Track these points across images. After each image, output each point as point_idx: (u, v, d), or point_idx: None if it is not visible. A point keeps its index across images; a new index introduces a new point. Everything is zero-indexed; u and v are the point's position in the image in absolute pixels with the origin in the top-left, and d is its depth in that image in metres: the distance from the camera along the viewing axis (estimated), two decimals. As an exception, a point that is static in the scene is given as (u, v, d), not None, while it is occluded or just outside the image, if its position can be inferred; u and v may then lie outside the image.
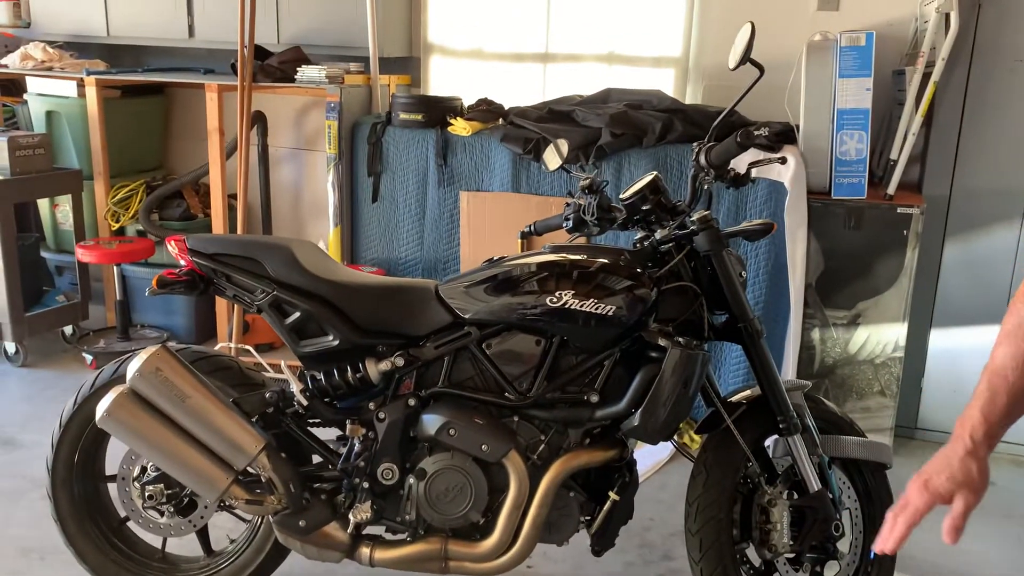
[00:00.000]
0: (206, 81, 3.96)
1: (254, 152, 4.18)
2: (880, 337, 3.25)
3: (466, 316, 2.08)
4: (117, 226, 4.26)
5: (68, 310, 4.22)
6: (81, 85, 4.18)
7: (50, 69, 4.34)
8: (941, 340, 3.46)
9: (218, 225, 4.08)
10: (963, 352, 3.44)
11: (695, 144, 2.13)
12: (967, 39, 3.20)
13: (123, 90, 4.39)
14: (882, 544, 1.15)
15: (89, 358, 4.00)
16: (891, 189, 3.19)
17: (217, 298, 4.14)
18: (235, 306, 3.99)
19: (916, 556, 2.71)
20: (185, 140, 4.73)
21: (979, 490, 1.11)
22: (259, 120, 4.21)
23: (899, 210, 3.14)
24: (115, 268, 4.08)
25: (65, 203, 4.24)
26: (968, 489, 1.11)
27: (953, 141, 3.32)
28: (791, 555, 2.17)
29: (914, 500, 1.13)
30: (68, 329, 4.26)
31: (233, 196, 4.21)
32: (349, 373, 2.09)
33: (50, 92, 4.28)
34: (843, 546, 2.22)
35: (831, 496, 2.14)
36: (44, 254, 4.46)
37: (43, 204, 4.39)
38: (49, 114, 4.28)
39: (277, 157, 4.48)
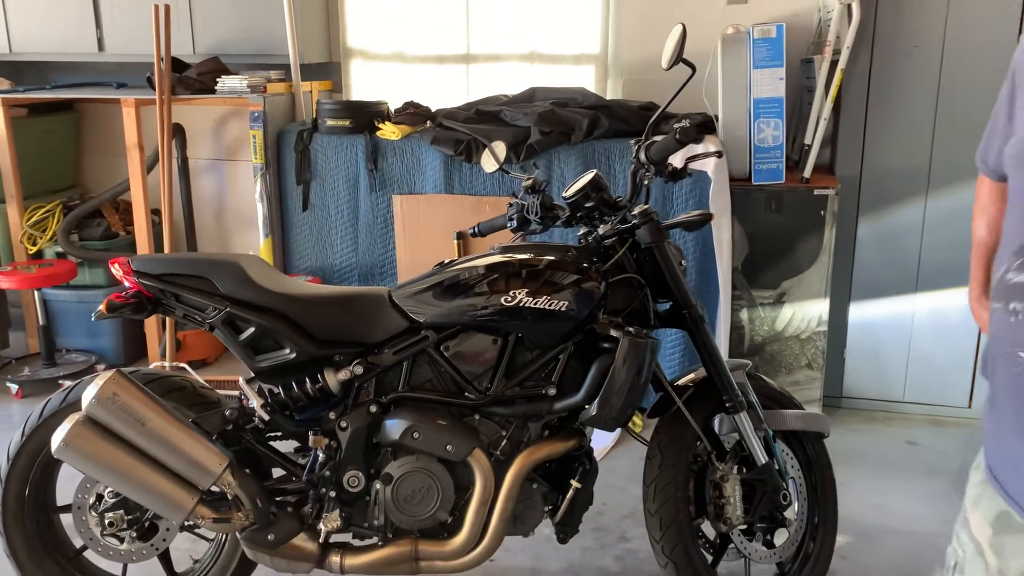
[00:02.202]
0: (122, 96, 3.86)
1: (174, 166, 4.10)
2: (804, 313, 3.42)
3: (422, 320, 2.11)
4: (35, 249, 4.12)
5: (-14, 339, 4.07)
6: (-14, 105, 4.02)
7: (-50, 90, 4.16)
8: (860, 312, 3.66)
9: (143, 242, 3.99)
10: (880, 322, 3.65)
11: (633, 141, 2.21)
12: (868, 28, 3.38)
13: (30, 108, 4.24)
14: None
15: (14, 387, 3.86)
16: (807, 172, 3.36)
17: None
18: (167, 324, 3.92)
19: (855, 519, 2.88)
20: (99, 157, 4.60)
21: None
22: (177, 133, 4.13)
23: (816, 192, 3.31)
24: (35, 293, 3.95)
25: (-24, 229, 4.09)
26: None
27: (861, 124, 3.51)
28: (744, 526, 2.29)
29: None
30: (-12, 359, 4.11)
31: (155, 212, 4.12)
32: (308, 384, 2.10)
33: (-48, 114, 4.10)
34: (790, 514, 2.35)
35: (777, 467, 2.26)
36: (-44, 283, 4.28)
37: (-49, 231, 4.21)
38: (-48, 137, 4.11)
39: (197, 169, 4.40)
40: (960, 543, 1.22)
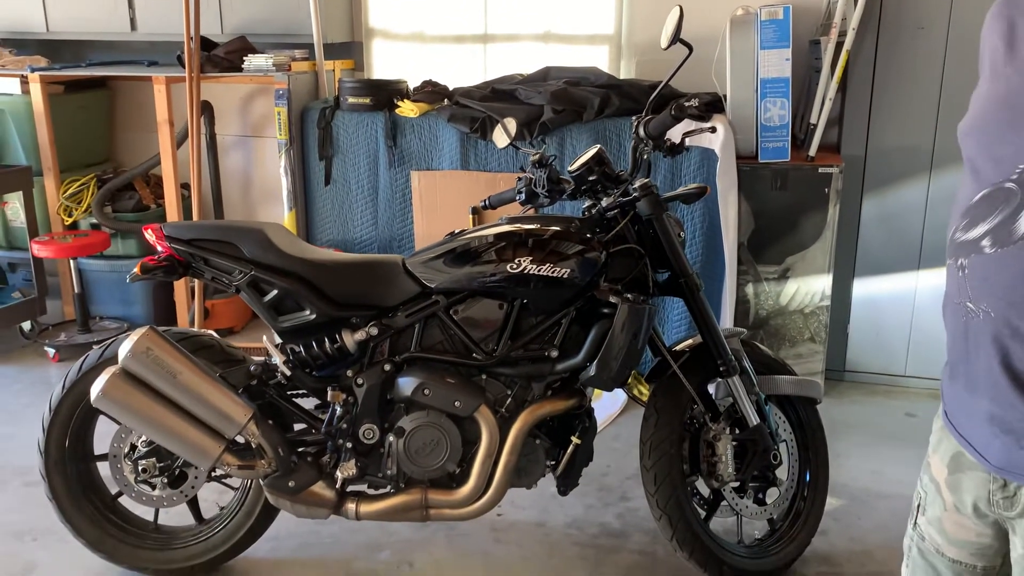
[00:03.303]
0: (153, 74, 4.02)
1: (202, 141, 4.26)
2: (808, 288, 3.52)
3: (433, 286, 2.26)
4: (70, 220, 4.31)
5: (25, 306, 4.26)
6: (24, 82, 4.20)
7: (-11, 67, 4.34)
8: (863, 288, 3.76)
9: (172, 215, 4.16)
10: (883, 298, 3.75)
11: (634, 118, 2.33)
12: (874, 10, 3.46)
13: (66, 85, 4.42)
14: None
15: (51, 351, 4.06)
16: (812, 151, 3.45)
17: (175, 286, 4.24)
18: (195, 292, 4.10)
19: (849, 484, 2.99)
20: (130, 132, 4.78)
21: None
22: (206, 110, 4.29)
23: (820, 170, 3.40)
24: (71, 262, 4.14)
25: (14, 200, 4.27)
26: None
27: (866, 104, 3.59)
28: (736, 484, 2.42)
29: None
30: (26, 325, 4.30)
31: (184, 186, 4.29)
32: (327, 344, 2.25)
33: (-8, 90, 4.30)
34: (781, 474, 2.48)
35: (768, 429, 2.39)
36: (-5, 252, 4.49)
37: (-10, 203, 4.41)
38: (-7, 112, 4.30)
39: (225, 145, 4.57)
40: (923, 485, 1.35)
